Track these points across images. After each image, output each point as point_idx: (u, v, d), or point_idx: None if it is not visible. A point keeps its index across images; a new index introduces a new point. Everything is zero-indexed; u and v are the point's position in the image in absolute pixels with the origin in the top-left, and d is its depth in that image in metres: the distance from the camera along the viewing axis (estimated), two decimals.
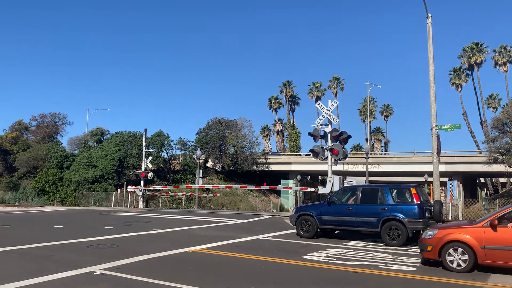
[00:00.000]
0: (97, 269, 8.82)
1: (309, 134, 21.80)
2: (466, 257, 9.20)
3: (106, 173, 46.30)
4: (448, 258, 9.43)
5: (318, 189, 21.03)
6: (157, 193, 43.24)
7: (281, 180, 48.80)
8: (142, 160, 43.04)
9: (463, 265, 9.21)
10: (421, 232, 14.42)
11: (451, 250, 9.42)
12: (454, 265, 9.32)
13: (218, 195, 44.66)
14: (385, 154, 65.40)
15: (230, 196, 46.60)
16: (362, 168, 44.91)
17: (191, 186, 41.11)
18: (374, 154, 59.51)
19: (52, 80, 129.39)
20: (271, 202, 51.98)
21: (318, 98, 66.40)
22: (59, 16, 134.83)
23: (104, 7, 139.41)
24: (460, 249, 9.32)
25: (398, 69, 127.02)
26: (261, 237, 14.84)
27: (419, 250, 12.26)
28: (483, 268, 9.25)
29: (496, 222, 9.09)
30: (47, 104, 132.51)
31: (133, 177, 44.52)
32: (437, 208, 13.91)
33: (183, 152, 56.70)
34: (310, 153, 21.03)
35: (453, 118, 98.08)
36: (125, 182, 44.04)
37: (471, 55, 57.75)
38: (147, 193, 42.46)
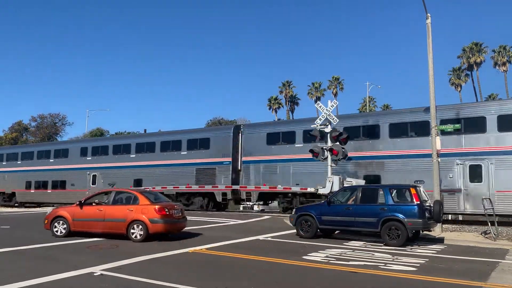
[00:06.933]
0: (97, 269, 8.82)
1: (309, 134, 21.80)
2: (65, 226, 13.79)
3: None
4: (55, 229, 13.85)
5: (317, 189, 20.93)
6: None
7: None
8: None
9: (63, 231, 13.76)
10: (420, 232, 14.48)
11: (56, 223, 13.93)
12: (58, 232, 13.80)
13: None
14: None
15: None
16: None
17: (191, 187, 41.02)
18: None
19: (51, 81, 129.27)
20: None
21: (318, 98, 66.33)
22: (59, 16, 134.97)
23: (104, 6, 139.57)
24: (61, 221, 13.88)
25: (397, 69, 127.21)
26: (261, 237, 14.84)
27: (419, 251, 12.34)
28: (74, 233, 13.69)
29: (79, 203, 13.89)
30: (46, 105, 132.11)
31: None
32: (437, 208, 13.93)
33: None
34: (310, 153, 20.98)
35: None
36: None
37: (470, 55, 57.83)
38: None
